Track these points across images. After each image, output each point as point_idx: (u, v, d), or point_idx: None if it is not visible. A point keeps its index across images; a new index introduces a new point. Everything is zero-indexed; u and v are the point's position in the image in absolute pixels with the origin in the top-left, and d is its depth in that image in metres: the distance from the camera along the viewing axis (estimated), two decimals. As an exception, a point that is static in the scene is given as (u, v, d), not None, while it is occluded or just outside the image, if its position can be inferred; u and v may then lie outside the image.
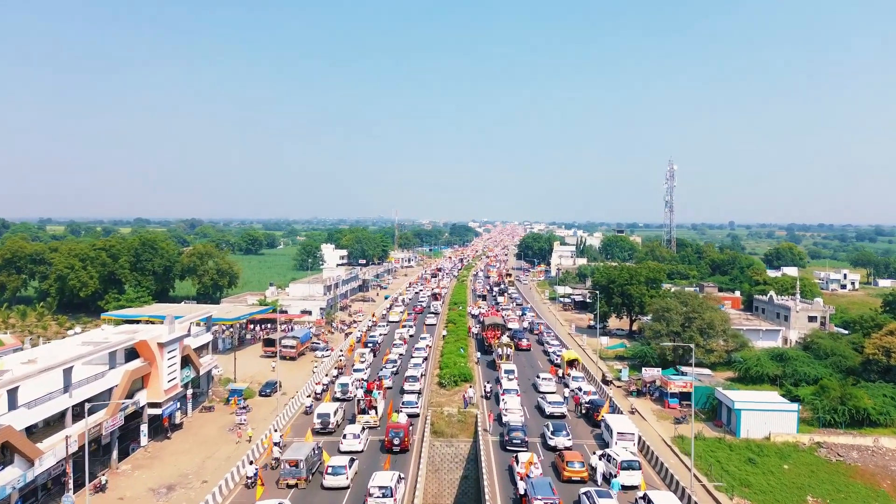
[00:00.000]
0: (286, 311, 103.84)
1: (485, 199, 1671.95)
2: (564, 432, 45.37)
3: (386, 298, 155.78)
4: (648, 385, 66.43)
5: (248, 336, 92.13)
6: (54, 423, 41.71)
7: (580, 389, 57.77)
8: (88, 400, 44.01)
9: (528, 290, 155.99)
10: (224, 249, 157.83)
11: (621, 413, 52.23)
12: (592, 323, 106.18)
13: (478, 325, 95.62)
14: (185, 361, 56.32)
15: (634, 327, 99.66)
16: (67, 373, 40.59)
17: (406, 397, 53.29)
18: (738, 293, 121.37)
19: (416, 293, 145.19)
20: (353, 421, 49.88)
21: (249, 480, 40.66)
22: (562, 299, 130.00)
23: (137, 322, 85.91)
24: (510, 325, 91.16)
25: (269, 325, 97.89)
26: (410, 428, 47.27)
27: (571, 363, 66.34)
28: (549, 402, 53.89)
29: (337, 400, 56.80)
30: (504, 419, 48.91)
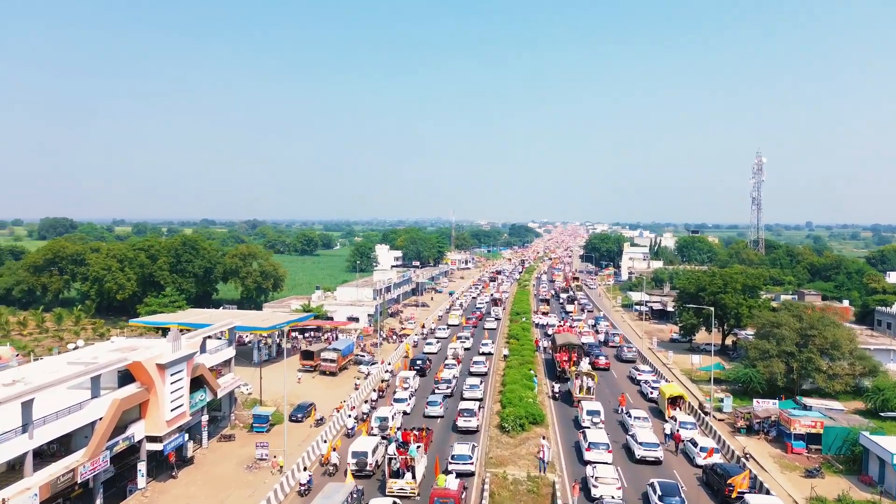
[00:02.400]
0: (331, 318, 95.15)
1: (544, 199, 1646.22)
2: (678, 498, 33.16)
3: (451, 294, 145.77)
4: (762, 421, 53.14)
5: (289, 346, 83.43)
6: (19, 469, 33.33)
7: (694, 444, 43.18)
8: (62, 438, 35.62)
9: (596, 295, 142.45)
10: (269, 250, 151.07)
11: (770, 493, 37.45)
12: (676, 335, 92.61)
13: (546, 340, 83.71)
14: (199, 383, 47.44)
15: (728, 342, 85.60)
16: (27, 406, 31.82)
17: (458, 448, 40.34)
18: (846, 303, 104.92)
19: (474, 298, 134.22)
20: (382, 488, 37.75)
21: (303, 488, 38.83)
22: (637, 307, 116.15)
23: (167, 331, 79.02)
24: (585, 340, 78.47)
25: (312, 334, 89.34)
26: (463, 495, 34.66)
27: (674, 401, 52.32)
28: (641, 444, 41.49)
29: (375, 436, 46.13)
30: (594, 491, 35.30)
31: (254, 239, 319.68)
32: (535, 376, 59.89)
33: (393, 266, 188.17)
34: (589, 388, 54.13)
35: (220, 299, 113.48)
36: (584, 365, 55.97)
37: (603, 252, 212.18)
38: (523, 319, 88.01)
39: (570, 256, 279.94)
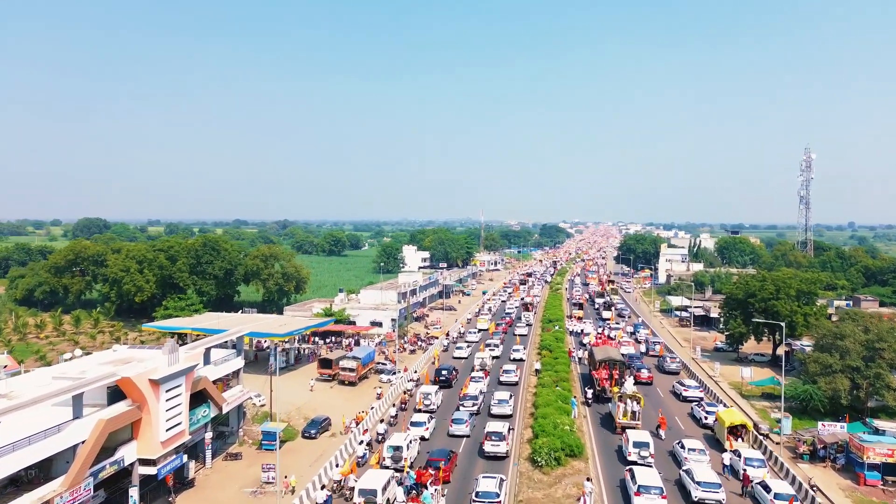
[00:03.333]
0: (354, 322, 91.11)
1: (576, 199, 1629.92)
2: None
3: (484, 294, 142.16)
4: (827, 446, 47.04)
5: (308, 352, 79.54)
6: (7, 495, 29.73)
7: (766, 488, 35.28)
8: (42, 462, 31.87)
9: (632, 300, 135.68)
10: (293, 251, 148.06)
11: None
12: (720, 344, 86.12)
13: (580, 349, 78.04)
14: (201, 397, 43.56)
15: (779, 352, 78.86)
16: (-10, 432, 28.07)
17: (483, 483, 34.13)
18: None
19: (503, 302, 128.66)
20: None
21: None
22: (677, 313, 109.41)
23: (183, 336, 75.87)
24: (625, 351, 72.16)
25: (333, 340, 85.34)
26: None
27: (735, 431, 44.90)
28: (699, 483, 34.99)
29: (388, 467, 39.83)
30: None
31: (283, 239, 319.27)
32: (574, 397, 53.77)
33: (420, 267, 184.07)
34: (634, 413, 46.36)
35: (241, 302, 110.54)
36: (629, 385, 48.88)
37: (638, 253, 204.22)
38: (556, 328, 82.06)
39: (603, 258, 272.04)
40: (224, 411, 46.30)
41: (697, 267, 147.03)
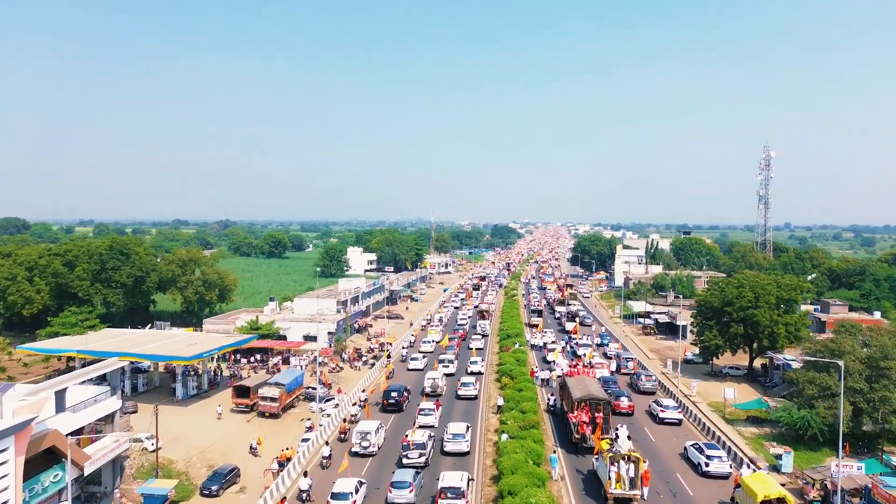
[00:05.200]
0: (284, 337, 79.82)
1: (524, 199, 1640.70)
2: None
3: (445, 291, 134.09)
4: (844, 492, 39.13)
5: (229, 375, 67.90)
6: None
7: None
8: None
9: (591, 305, 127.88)
10: (213, 252, 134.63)
11: None
12: (690, 355, 78.72)
13: (543, 368, 68.61)
14: (52, 457, 32.30)
15: (756, 365, 72.06)
16: None
17: None
18: (877, 315, 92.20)
19: (456, 309, 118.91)
20: None
21: None
22: (640, 319, 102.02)
23: (69, 360, 63.17)
24: (599, 374, 61.38)
25: (258, 358, 73.90)
26: None
27: None
28: None
29: None
30: None
31: (221, 240, 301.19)
32: (554, 452, 41.97)
33: (366, 270, 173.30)
34: (632, 481, 34.31)
35: (158, 313, 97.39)
36: (624, 440, 36.23)
37: (593, 255, 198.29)
38: (517, 345, 72.29)
39: (556, 259, 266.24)
40: (87, 472, 34.96)
41: (655, 269, 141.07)
